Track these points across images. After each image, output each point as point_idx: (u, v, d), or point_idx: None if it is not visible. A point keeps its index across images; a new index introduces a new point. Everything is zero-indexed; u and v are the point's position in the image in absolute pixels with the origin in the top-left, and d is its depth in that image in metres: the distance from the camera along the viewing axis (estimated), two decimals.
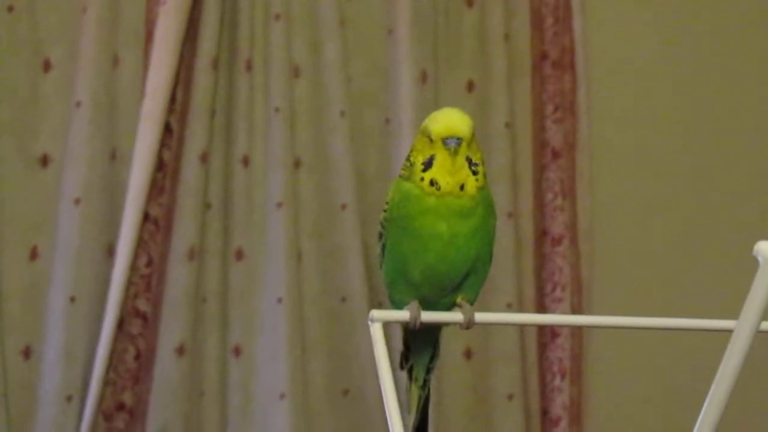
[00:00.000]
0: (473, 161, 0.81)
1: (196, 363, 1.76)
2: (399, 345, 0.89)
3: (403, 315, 0.80)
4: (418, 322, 0.80)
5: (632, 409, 2.01)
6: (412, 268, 0.82)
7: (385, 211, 0.85)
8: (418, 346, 0.88)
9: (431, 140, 0.81)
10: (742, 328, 0.61)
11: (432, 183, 0.80)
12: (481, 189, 0.82)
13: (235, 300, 1.80)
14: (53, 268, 1.73)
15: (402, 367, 0.89)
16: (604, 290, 1.99)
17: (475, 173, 0.81)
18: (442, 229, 0.81)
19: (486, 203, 0.83)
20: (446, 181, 0.80)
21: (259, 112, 1.82)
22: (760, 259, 0.60)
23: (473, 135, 0.81)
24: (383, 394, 0.74)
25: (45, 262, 1.74)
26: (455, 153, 0.80)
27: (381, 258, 0.86)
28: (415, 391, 0.89)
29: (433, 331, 0.88)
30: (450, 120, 0.81)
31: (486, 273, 0.85)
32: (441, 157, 0.80)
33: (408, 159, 0.83)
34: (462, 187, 0.80)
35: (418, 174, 0.81)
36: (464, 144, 0.80)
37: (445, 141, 0.80)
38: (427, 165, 0.81)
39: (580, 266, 1.96)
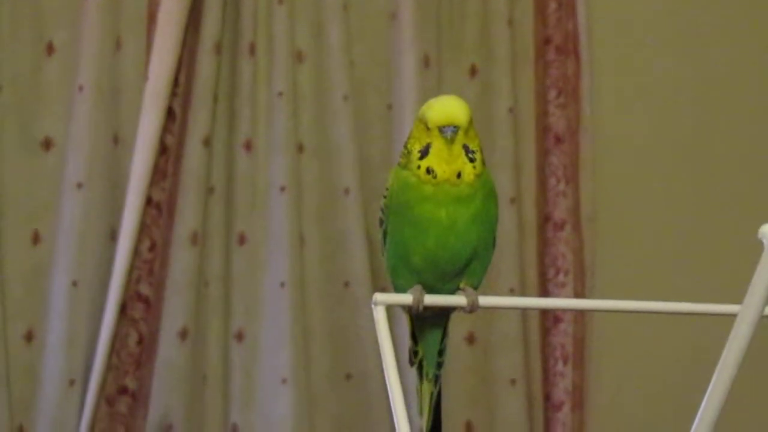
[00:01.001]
0: (470, 149, 0.81)
1: (199, 347, 1.76)
2: (406, 340, 0.88)
3: (406, 298, 0.80)
4: (421, 306, 0.80)
5: (635, 394, 2.01)
6: (414, 255, 0.82)
7: (384, 197, 0.85)
8: (425, 337, 0.88)
9: (428, 128, 0.80)
10: (745, 313, 0.61)
11: (428, 171, 0.80)
12: (479, 176, 0.81)
13: (238, 284, 1.80)
14: (55, 252, 1.73)
15: (412, 364, 0.89)
16: (607, 275, 1.98)
17: (472, 161, 0.80)
18: (441, 215, 0.80)
19: (485, 189, 0.82)
20: (442, 170, 0.80)
21: (262, 96, 1.82)
22: (765, 242, 0.60)
23: (471, 122, 0.81)
24: (386, 376, 0.74)
25: (47, 247, 1.74)
26: (452, 141, 0.79)
27: (383, 245, 0.86)
28: (426, 388, 0.89)
29: (439, 321, 0.87)
30: (446, 108, 0.80)
31: (489, 259, 0.85)
32: (437, 146, 0.80)
33: (405, 146, 0.83)
34: (459, 175, 0.80)
35: (415, 162, 0.81)
36: (461, 132, 0.80)
37: (441, 129, 0.79)
38: (424, 153, 0.80)
39: (582, 251, 1.96)
